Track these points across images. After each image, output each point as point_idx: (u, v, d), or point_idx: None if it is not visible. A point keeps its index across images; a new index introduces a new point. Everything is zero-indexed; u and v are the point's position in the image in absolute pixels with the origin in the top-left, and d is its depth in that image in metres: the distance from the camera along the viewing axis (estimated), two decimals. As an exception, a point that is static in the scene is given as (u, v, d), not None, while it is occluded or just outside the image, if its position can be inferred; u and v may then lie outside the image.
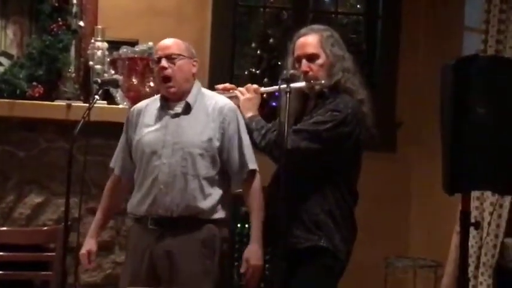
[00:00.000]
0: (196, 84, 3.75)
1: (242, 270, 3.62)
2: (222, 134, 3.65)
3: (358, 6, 6.15)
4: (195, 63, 3.75)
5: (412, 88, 5.64)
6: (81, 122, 3.50)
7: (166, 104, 3.70)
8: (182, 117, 3.66)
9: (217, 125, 3.65)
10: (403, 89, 5.69)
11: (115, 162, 3.86)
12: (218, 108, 3.67)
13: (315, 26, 3.74)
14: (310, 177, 3.59)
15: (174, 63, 3.65)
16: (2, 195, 4.76)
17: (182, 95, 3.68)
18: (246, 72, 5.63)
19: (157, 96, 3.78)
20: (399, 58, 5.71)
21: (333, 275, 3.64)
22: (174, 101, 3.70)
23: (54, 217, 4.78)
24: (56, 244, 4.17)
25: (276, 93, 4.89)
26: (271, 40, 5.76)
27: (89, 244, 3.77)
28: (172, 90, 3.66)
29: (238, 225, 5.02)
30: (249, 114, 3.71)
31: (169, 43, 3.71)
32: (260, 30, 5.83)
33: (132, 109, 3.86)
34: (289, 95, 3.38)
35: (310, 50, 3.62)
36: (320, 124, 3.53)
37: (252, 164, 3.70)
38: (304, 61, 3.62)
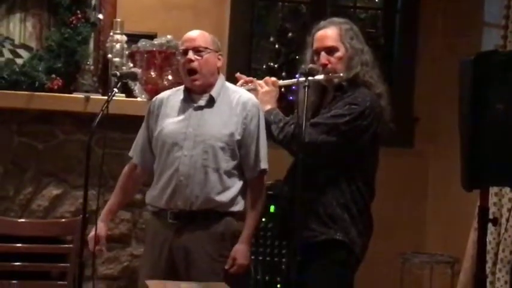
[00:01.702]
0: (221, 78, 3.76)
1: (227, 267, 3.62)
2: (243, 128, 3.66)
3: (376, 0, 6.13)
4: (220, 56, 3.77)
5: (430, 83, 5.61)
6: (100, 114, 3.50)
7: (189, 96, 3.72)
8: (205, 110, 3.68)
9: (240, 120, 3.66)
10: (421, 84, 5.67)
11: (134, 151, 3.87)
12: (242, 103, 3.68)
13: (335, 19, 3.73)
14: (326, 170, 3.59)
15: (200, 56, 3.66)
16: (20, 187, 4.78)
17: (206, 87, 3.70)
18: (264, 67, 5.62)
19: (180, 88, 3.79)
20: (417, 53, 5.69)
21: (348, 268, 3.63)
22: (198, 93, 3.71)
23: (71, 209, 4.80)
24: (73, 236, 4.19)
25: (294, 87, 4.89)
26: (289, 34, 5.75)
27: (99, 228, 3.77)
28: (198, 82, 3.67)
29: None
30: (267, 107, 3.72)
31: (197, 35, 3.71)
32: (278, 24, 5.82)
33: (154, 99, 3.87)
34: (307, 89, 3.38)
35: (329, 42, 3.62)
36: (338, 117, 3.52)
37: (264, 163, 3.71)
38: (323, 54, 3.61)
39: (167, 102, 3.76)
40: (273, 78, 3.80)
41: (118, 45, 4.84)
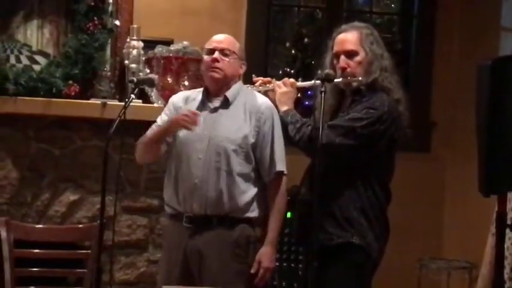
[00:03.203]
0: (239, 83, 3.77)
1: (253, 271, 3.62)
2: (257, 131, 3.67)
3: (392, 5, 6.12)
4: (243, 66, 3.79)
5: (447, 88, 5.60)
6: (117, 120, 3.51)
7: (207, 98, 3.73)
8: (220, 111, 3.69)
9: (254, 123, 3.66)
10: (437, 89, 5.65)
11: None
12: (256, 106, 3.69)
13: (356, 23, 3.74)
14: (343, 173, 3.58)
15: (226, 59, 3.68)
16: (37, 192, 4.80)
17: (223, 87, 3.71)
18: (280, 72, 5.62)
19: (200, 90, 3.81)
20: (434, 58, 5.67)
21: (365, 272, 3.63)
22: (214, 94, 3.72)
23: (88, 215, 4.81)
24: (90, 242, 4.19)
25: (310, 92, 4.89)
26: (305, 39, 5.74)
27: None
28: (217, 75, 3.68)
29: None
30: (284, 108, 3.72)
31: (226, 40, 3.75)
32: (294, 29, 5.82)
33: (174, 96, 3.88)
34: (324, 94, 3.38)
35: (350, 46, 3.62)
36: (356, 121, 3.52)
37: (281, 166, 3.70)
38: (342, 57, 3.62)
39: (187, 102, 3.78)
40: (292, 80, 3.80)
41: (135, 51, 4.85)
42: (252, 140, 3.65)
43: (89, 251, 4.17)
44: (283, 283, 5.00)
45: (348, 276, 3.59)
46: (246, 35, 5.35)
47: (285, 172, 3.72)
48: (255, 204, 3.68)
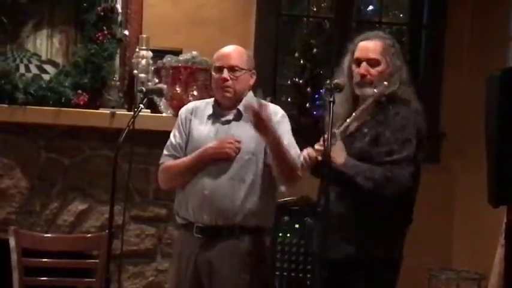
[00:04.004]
0: (250, 93, 3.77)
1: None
2: None
3: (401, 15, 6.11)
4: (253, 75, 3.78)
5: (457, 98, 5.58)
6: (126, 130, 3.51)
7: (218, 110, 3.73)
8: (233, 123, 3.70)
9: None
10: (447, 99, 5.64)
11: (166, 156, 3.81)
12: None
13: (380, 33, 3.76)
14: None
15: (235, 76, 3.67)
16: (46, 202, 4.81)
17: (235, 103, 3.71)
18: (288, 82, 5.62)
19: (209, 100, 3.82)
20: (443, 68, 5.66)
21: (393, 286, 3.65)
22: (226, 108, 3.72)
23: (97, 224, 4.82)
24: (99, 251, 4.19)
25: (318, 102, 4.89)
26: (314, 50, 5.74)
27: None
28: (228, 95, 3.69)
29: (280, 234, 5.01)
30: (341, 160, 3.52)
31: (233, 54, 3.71)
32: (303, 39, 5.81)
33: (184, 108, 3.87)
34: (333, 104, 3.38)
35: (373, 55, 3.61)
36: (407, 145, 3.50)
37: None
38: (364, 64, 3.61)
39: (196, 114, 3.78)
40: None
41: (144, 61, 4.85)
42: (263, 148, 3.65)
43: (97, 261, 4.16)
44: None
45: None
46: (254, 45, 5.35)
47: (300, 176, 3.69)
48: (265, 214, 3.68)
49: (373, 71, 3.60)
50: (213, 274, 3.61)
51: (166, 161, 3.78)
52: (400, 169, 3.45)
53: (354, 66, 3.64)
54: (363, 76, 3.60)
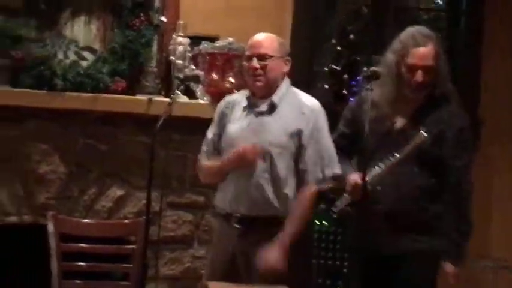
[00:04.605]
0: (285, 82, 3.73)
1: (258, 267, 3.56)
2: (300, 132, 3.63)
3: (439, 1, 6.05)
4: (287, 62, 3.73)
5: (496, 85, 5.53)
6: (163, 117, 3.53)
7: (252, 102, 3.71)
8: (266, 116, 3.66)
9: (298, 124, 3.63)
10: (486, 87, 5.58)
11: (203, 154, 3.84)
12: (301, 108, 3.66)
13: (429, 34, 3.69)
14: (433, 184, 3.65)
15: (266, 64, 3.63)
16: (84, 188, 4.84)
17: (269, 92, 3.67)
18: (325, 69, 5.59)
19: (246, 92, 3.79)
20: (482, 55, 5.60)
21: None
22: (260, 97, 3.69)
23: (134, 210, 4.84)
24: (136, 237, 4.21)
25: (355, 89, 4.87)
26: (351, 36, 5.71)
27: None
28: (260, 84, 3.65)
29: (317, 222, 5.01)
30: None
31: (263, 41, 3.68)
32: (340, 26, 5.78)
33: (222, 102, 3.87)
34: (370, 92, 3.37)
35: (428, 62, 3.60)
36: (468, 147, 3.69)
37: (330, 169, 3.67)
38: (420, 72, 3.58)
39: (234, 106, 3.77)
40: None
41: (181, 48, 4.85)
42: (296, 143, 3.63)
43: (134, 246, 4.18)
44: (327, 281, 4.99)
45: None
46: (291, 32, 5.32)
47: (337, 173, 3.68)
48: None
49: (428, 76, 3.58)
50: (250, 264, 3.61)
51: (203, 157, 3.81)
52: (468, 175, 3.68)
53: (404, 69, 3.61)
54: (420, 84, 3.59)
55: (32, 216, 4.76)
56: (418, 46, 3.61)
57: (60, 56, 4.88)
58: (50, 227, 4.13)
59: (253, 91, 3.72)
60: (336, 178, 3.68)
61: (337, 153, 3.69)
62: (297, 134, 3.63)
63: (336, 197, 3.79)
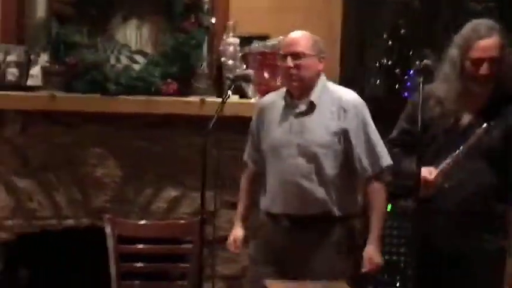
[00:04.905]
0: (321, 80, 3.69)
1: (364, 269, 3.61)
2: (345, 130, 3.60)
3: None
4: (322, 59, 3.68)
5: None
6: (215, 117, 3.54)
7: (291, 101, 3.68)
8: (306, 116, 3.63)
9: (340, 121, 3.60)
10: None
11: (247, 155, 3.89)
12: (342, 104, 3.63)
13: (493, 25, 3.61)
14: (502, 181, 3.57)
15: (300, 62, 3.60)
16: (140, 189, 4.89)
17: (306, 90, 3.64)
18: (377, 64, 5.57)
19: (283, 90, 3.77)
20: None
21: None
22: (298, 97, 3.66)
23: (189, 211, 4.88)
24: (192, 237, 4.24)
25: (408, 83, 4.82)
26: (402, 30, 5.67)
27: (235, 231, 3.89)
28: (295, 84, 3.63)
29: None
30: None
31: (298, 39, 3.64)
32: (391, 20, 5.74)
33: (259, 104, 3.89)
34: (422, 86, 3.34)
35: (493, 53, 3.51)
36: None
37: (386, 161, 3.65)
38: (485, 65, 3.50)
39: (272, 107, 3.75)
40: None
41: (231, 48, 4.88)
42: (341, 140, 3.61)
43: (190, 246, 4.21)
44: (385, 276, 4.96)
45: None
46: (342, 29, 5.31)
47: (388, 165, 3.66)
48: (350, 202, 3.67)
49: (493, 69, 3.51)
50: (303, 265, 3.60)
51: (247, 162, 3.91)
52: None
53: (468, 63, 3.53)
54: (485, 76, 3.51)
55: (89, 219, 4.83)
56: (481, 38, 3.52)
57: (113, 60, 4.94)
58: (107, 230, 4.18)
59: (290, 91, 3.70)
60: (397, 173, 3.66)
61: (401, 149, 3.65)
62: (343, 133, 3.61)
63: (397, 191, 3.76)
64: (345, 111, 3.62)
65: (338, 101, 3.64)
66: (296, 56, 3.60)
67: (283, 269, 3.63)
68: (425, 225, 3.43)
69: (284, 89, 3.78)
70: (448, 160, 3.49)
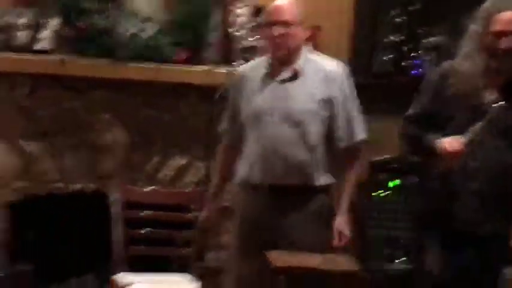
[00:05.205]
0: (305, 50, 3.64)
1: (335, 242, 3.58)
2: (328, 99, 3.56)
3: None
4: (306, 29, 3.64)
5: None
6: (222, 87, 3.54)
7: (273, 69, 3.60)
8: (289, 83, 3.57)
9: (324, 90, 3.55)
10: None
11: (223, 127, 3.80)
12: (325, 73, 3.58)
13: None
14: None
15: (288, 31, 3.51)
16: (148, 157, 4.92)
17: (290, 59, 3.57)
18: (386, 40, 5.54)
19: (262, 59, 3.70)
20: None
21: None
22: (281, 65, 3.59)
23: (195, 179, 4.90)
24: (197, 205, 4.26)
25: (417, 61, 4.78)
26: (412, 7, 5.63)
27: (206, 211, 3.88)
28: (282, 53, 3.55)
29: (377, 192, 5.00)
30: None
31: (284, 7, 3.53)
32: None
33: (237, 72, 3.80)
34: (430, 64, 3.31)
35: None
36: None
37: (361, 134, 3.63)
38: (506, 38, 3.39)
39: (252, 75, 3.65)
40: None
41: (241, 19, 4.87)
42: (324, 107, 3.56)
43: (196, 214, 4.22)
44: (385, 250, 4.98)
45: None
46: (354, 2, 5.28)
47: (366, 139, 3.65)
48: (330, 172, 3.63)
49: None
50: (284, 237, 3.54)
51: (224, 136, 3.78)
52: None
53: (490, 38, 3.42)
54: (507, 50, 3.40)
55: (96, 184, 4.86)
56: (502, 11, 3.41)
57: (122, 27, 4.92)
58: (114, 195, 4.20)
59: (274, 57, 3.60)
60: (414, 148, 3.64)
61: (416, 126, 3.55)
62: (326, 102, 3.56)
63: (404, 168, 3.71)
64: (329, 80, 3.56)
65: (323, 71, 3.59)
66: (283, 24, 3.51)
67: (265, 241, 3.51)
68: (448, 205, 3.42)
69: (264, 58, 3.70)
70: (469, 133, 3.42)
